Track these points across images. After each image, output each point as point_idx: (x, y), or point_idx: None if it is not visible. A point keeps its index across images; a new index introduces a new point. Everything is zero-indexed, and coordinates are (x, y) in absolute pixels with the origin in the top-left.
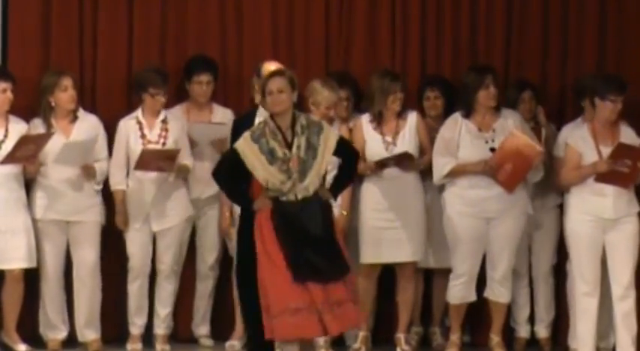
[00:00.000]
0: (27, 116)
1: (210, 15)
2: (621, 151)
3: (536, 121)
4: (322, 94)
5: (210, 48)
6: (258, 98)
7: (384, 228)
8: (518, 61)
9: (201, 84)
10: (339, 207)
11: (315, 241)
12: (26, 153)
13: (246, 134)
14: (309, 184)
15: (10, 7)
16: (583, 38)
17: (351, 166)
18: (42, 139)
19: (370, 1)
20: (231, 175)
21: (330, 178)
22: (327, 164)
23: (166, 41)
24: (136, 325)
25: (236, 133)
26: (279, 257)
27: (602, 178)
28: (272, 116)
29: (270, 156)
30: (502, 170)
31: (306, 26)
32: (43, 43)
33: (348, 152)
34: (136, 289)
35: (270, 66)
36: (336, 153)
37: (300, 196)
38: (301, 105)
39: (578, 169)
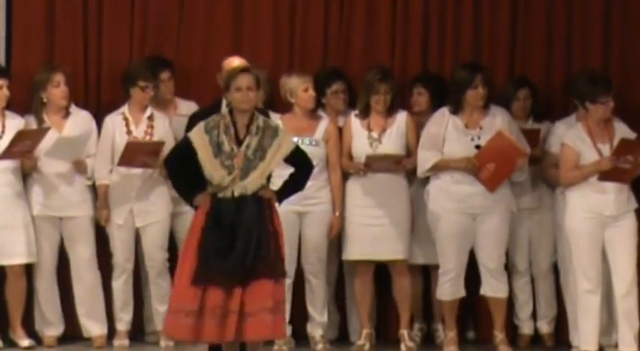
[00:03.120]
0: (27, 112)
1: (211, 13)
2: (624, 146)
3: (533, 120)
4: (292, 81)
5: (211, 46)
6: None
7: (368, 225)
8: (522, 59)
9: (164, 82)
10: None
11: (244, 240)
12: (23, 148)
13: (201, 124)
14: (249, 184)
15: (15, 3)
16: (588, 35)
17: (302, 176)
18: (38, 135)
19: (368, 3)
20: (180, 166)
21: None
22: (274, 169)
23: (168, 38)
24: (123, 321)
25: (193, 124)
26: (192, 256)
27: (605, 176)
28: (231, 111)
29: (217, 149)
30: (485, 169)
31: (306, 25)
32: (47, 39)
33: (301, 162)
34: (121, 285)
35: (235, 61)
36: (290, 161)
37: (236, 194)
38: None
39: (580, 168)
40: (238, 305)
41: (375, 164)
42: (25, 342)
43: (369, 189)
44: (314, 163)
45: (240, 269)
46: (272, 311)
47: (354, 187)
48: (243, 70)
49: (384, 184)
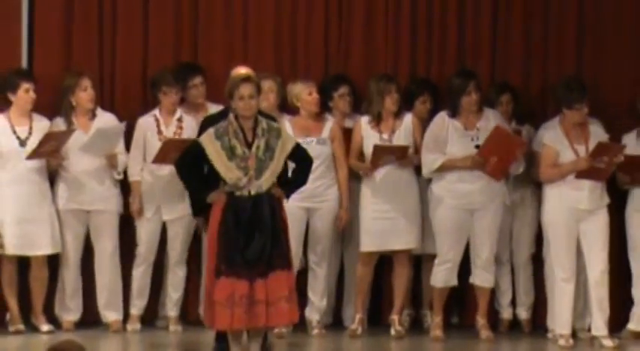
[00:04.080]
0: (50, 113)
1: (218, 22)
2: (600, 149)
3: (516, 123)
4: (297, 87)
5: (218, 53)
6: None
7: (382, 219)
8: (503, 65)
9: (196, 87)
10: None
11: (261, 234)
12: (50, 148)
13: (211, 131)
14: (264, 182)
15: (36, 14)
16: (563, 44)
17: (304, 171)
18: (64, 136)
19: (366, 12)
20: (192, 167)
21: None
22: (281, 166)
23: (180, 46)
24: (137, 306)
25: (204, 129)
26: (213, 251)
27: (582, 174)
28: (236, 117)
29: (230, 153)
30: (488, 163)
31: (307, 34)
32: (66, 46)
33: (303, 158)
34: (140, 273)
35: (241, 70)
36: (292, 157)
37: (253, 192)
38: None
39: (559, 167)
40: (264, 294)
41: (381, 159)
42: (46, 327)
43: (381, 185)
44: (321, 160)
45: (261, 261)
46: (287, 300)
47: (367, 184)
48: (244, 79)
49: (395, 180)
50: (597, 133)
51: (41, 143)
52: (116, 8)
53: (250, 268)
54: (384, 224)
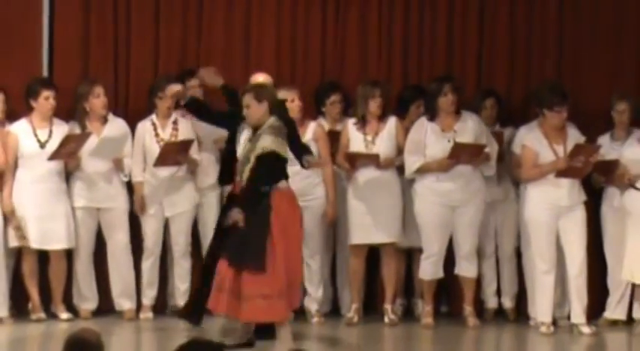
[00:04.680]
0: (69, 118)
1: (220, 34)
2: (577, 150)
3: (499, 126)
4: (280, 94)
5: (221, 60)
6: None
7: (365, 214)
8: (488, 71)
9: (194, 88)
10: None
11: (234, 232)
12: (69, 150)
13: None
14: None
15: (56, 28)
16: (544, 51)
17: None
18: (82, 139)
19: (361, 22)
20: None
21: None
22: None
23: (186, 57)
24: (148, 296)
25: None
26: None
27: (561, 173)
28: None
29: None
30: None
31: (305, 42)
32: (83, 57)
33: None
34: (149, 266)
35: (259, 77)
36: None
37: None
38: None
39: (539, 167)
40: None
41: (356, 163)
42: (65, 315)
43: (365, 184)
44: None
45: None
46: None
47: (353, 183)
48: (242, 91)
49: (378, 180)
50: (574, 135)
51: (61, 145)
52: (130, 23)
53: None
54: (367, 219)
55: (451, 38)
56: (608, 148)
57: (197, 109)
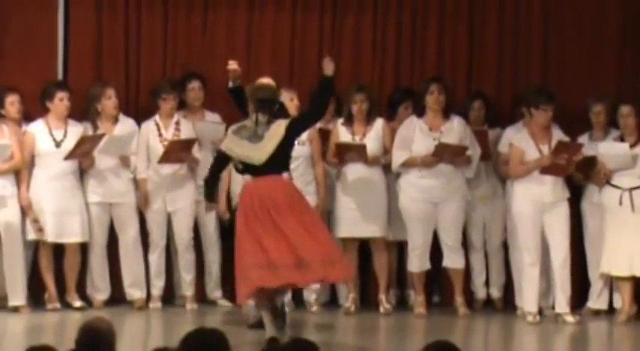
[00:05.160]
0: (82, 119)
1: (222, 40)
2: (560, 147)
3: (488, 126)
4: (281, 94)
5: (223, 63)
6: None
7: (352, 210)
8: (478, 76)
9: (194, 90)
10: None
11: None
12: (84, 151)
13: None
14: None
15: (71, 34)
16: (531, 56)
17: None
18: (96, 140)
19: (355, 27)
20: None
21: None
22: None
23: (191, 59)
24: (157, 287)
25: None
26: None
27: (545, 170)
28: None
29: None
30: (442, 160)
31: (302, 46)
32: (96, 62)
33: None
34: (155, 258)
35: (263, 80)
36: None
37: None
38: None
39: (525, 164)
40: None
41: (344, 154)
42: (78, 303)
43: (353, 182)
44: (301, 159)
45: None
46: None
47: (341, 180)
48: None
49: (364, 178)
50: (559, 135)
51: (76, 146)
52: (139, 29)
53: None
54: (354, 214)
55: (441, 43)
56: (587, 147)
57: (237, 96)
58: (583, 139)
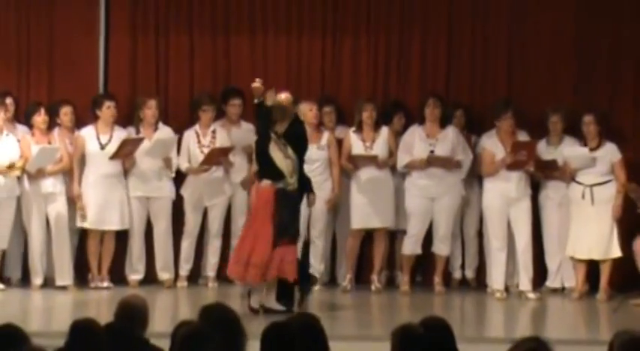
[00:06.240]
0: (120, 125)
1: (245, 58)
2: (516, 146)
3: (467, 132)
4: (302, 105)
5: (244, 79)
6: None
7: (365, 204)
8: (456, 87)
9: (235, 106)
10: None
11: None
12: (126, 152)
13: None
14: None
15: (110, 55)
16: (498, 71)
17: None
18: (137, 142)
19: (352, 47)
20: None
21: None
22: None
23: (217, 76)
24: (184, 269)
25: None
26: None
27: (510, 166)
28: None
29: None
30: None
31: (308, 64)
32: (131, 79)
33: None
34: (187, 244)
35: (282, 95)
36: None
37: None
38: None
39: (494, 163)
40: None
41: (359, 164)
42: (105, 284)
43: (365, 181)
44: (320, 161)
45: None
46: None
47: (355, 180)
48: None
49: (375, 178)
50: (523, 137)
51: (120, 147)
52: (168, 48)
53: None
54: (367, 209)
55: (424, 59)
56: (544, 151)
57: (259, 110)
58: (541, 144)
